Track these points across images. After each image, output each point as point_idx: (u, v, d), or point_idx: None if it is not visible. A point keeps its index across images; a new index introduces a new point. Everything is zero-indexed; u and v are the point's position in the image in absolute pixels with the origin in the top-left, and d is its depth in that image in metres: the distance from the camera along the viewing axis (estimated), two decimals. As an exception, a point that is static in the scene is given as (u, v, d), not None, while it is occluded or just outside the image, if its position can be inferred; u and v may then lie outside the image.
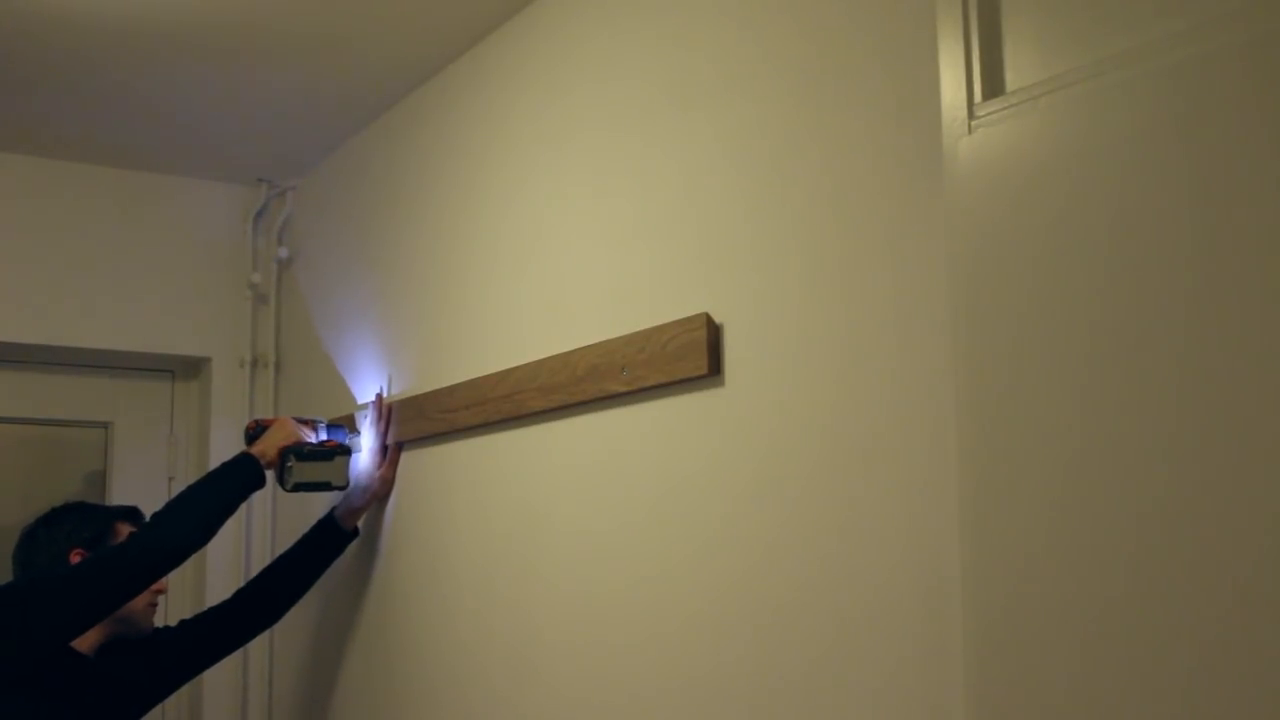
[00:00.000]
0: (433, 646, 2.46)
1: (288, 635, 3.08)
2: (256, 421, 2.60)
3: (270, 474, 2.54)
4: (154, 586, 2.34)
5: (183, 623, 2.57)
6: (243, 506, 2.97)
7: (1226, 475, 1.06)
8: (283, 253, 3.27)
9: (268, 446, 2.50)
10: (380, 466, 2.62)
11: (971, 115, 1.30)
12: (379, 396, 2.68)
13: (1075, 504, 1.17)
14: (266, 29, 2.41)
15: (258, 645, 3.15)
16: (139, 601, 2.33)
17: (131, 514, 2.45)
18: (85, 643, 2.31)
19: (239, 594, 2.63)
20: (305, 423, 2.62)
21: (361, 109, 2.82)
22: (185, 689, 3.21)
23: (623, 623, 1.92)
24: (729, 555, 1.72)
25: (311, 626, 2.95)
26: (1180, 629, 1.08)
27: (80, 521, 2.38)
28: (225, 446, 3.24)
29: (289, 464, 2.52)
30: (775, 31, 1.73)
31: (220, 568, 3.16)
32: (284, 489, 2.55)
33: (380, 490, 2.63)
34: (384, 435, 2.62)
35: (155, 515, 2.33)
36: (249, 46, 2.49)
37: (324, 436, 2.63)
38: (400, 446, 2.61)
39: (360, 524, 2.70)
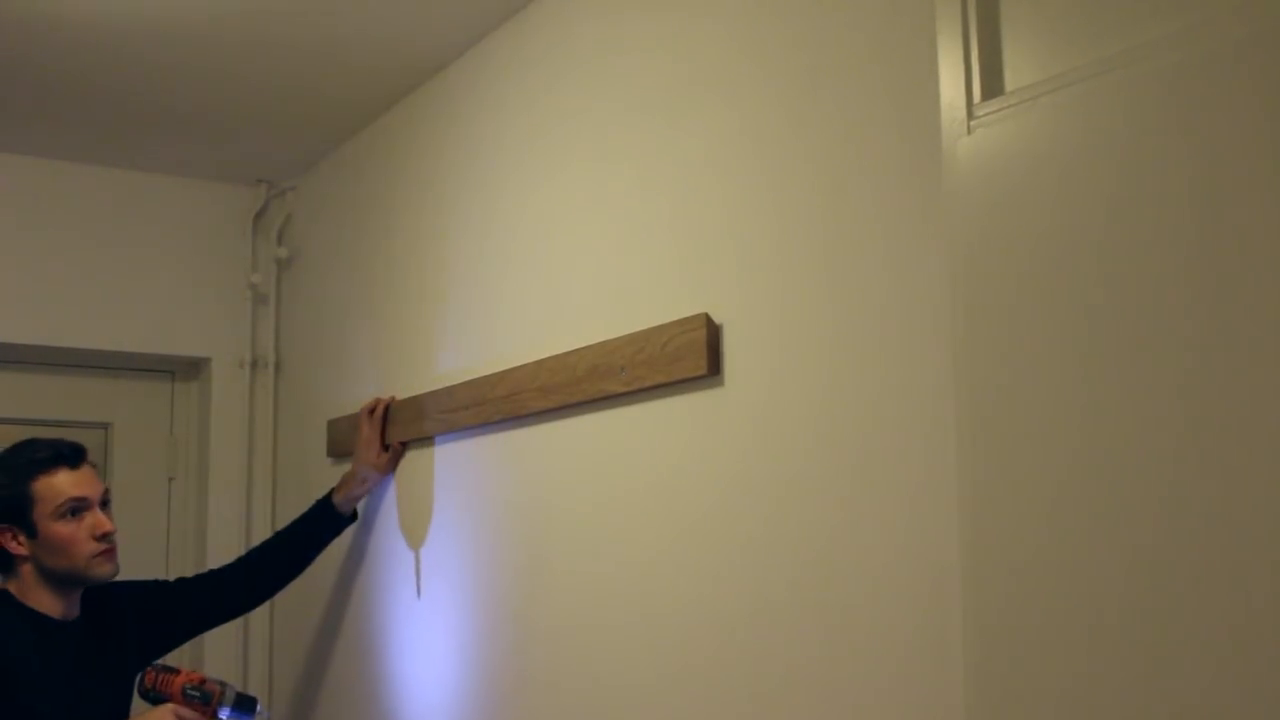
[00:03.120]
0: (432, 647, 2.45)
1: (287, 633, 3.08)
2: (155, 672, 2.18)
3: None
4: (95, 532, 2.17)
5: (182, 580, 2.54)
6: (242, 499, 2.98)
7: (1226, 473, 1.05)
8: (283, 253, 3.27)
9: None
10: (375, 455, 2.62)
11: (970, 115, 1.30)
12: (379, 399, 2.67)
13: (1075, 502, 1.17)
14: (266, 29, 2.41)
15: (258, 640, 3.15)
16: (81, 553, 2.16)
17: (77, 452, 2.23)
18: (55, 609, 2.19)
19: (241, 561, 2.62)
20: (203, 697, 2.14)
21: (361, 110, 2.81)
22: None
23: (622, 621, 1.92)
24: (728, 555, 1.72)
25: (311, 626, 2.95)
26: (1180, 628, 1.08)
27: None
28: (225, 447, 3.25)
29: None
30: (774, 31, 1.73)
31: (219, 562, 3.16)
32: None
33: (376, 479, 2.63)
34: (382, 435, 2.62)
35: None
36: (249, 47, 2.49)
37: (224, 717, 2.14)
38: (404, 445, 2.61)
39: (359, 508, 2.70)
